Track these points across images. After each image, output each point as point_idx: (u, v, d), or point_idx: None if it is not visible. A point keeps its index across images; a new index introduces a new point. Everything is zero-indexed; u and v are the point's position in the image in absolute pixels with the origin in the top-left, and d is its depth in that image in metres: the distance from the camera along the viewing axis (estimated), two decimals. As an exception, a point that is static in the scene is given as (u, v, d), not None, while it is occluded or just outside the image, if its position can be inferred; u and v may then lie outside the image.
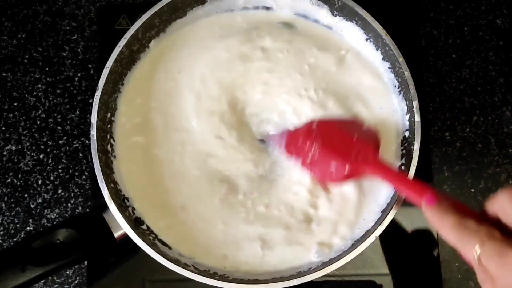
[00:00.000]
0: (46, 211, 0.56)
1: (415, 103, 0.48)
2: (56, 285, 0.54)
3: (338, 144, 0.48)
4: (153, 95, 0.52)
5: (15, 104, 0.59)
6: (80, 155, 0.57)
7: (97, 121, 0.47)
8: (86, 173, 0.57)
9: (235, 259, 0.48)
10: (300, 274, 0.45)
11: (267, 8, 0.55)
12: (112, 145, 0.50)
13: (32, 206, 0.56)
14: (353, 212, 0.49)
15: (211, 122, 0.51)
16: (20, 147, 0.58)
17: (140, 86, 0.52)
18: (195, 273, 0.44)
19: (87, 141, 0.57)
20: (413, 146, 0.47)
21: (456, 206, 0.37)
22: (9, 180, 0.57)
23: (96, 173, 0.46)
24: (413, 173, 0.46)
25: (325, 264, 0.45)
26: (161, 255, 0.44)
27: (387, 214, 0.45)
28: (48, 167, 0.57)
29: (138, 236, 0.45)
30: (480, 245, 0.32)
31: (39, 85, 0.59)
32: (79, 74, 0.60)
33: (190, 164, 0.50)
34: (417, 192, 0.41)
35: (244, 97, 0.52)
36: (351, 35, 0.54)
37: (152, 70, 0.53)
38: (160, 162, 0.50)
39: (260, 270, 0.47)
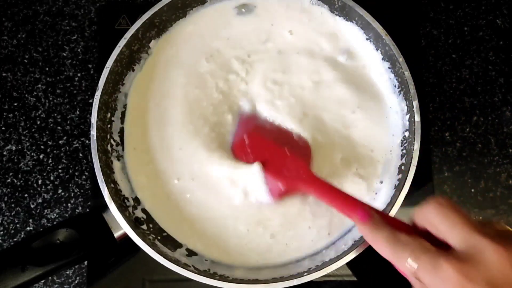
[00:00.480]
0: (46, 211, 0.56)
1: (415, 103, 0.48)
2: (56, 285, 0.54)
3: (271, 160, 0.47)
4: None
5: (15, 104, 0.59)
6: (80, 155, 0.57)
7: (97, 121, 0.47)
8: (86, 173, 0.57)
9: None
10: (300, 274, 0.45)
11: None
12: (112, 145, 0.50)
13: (32, 206, 0.56)
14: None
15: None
16: (20, 147, 0.58)
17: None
18: (195, 273, 0.44)
19: (87, 141, 0.57)
20: (413, 146, 0.47)
21: (388, 220, 0.38)
22: (9, 180, 0.57)
23: (96, 173, 0.46)
24: (413, 173, 0.46)
25: (325, 264, 0.45)
26: (161, 255, 0.44)
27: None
28: (48, 167, 0.57)
29: (138, 236, 0.45)
30: (414, 258, 0.33)
31: (39, 85, 0.59)
32: (79, 74, 0.60)
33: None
34: (350, 208, 0.41)
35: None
36: (351, 35, 0.54)
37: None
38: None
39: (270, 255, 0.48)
